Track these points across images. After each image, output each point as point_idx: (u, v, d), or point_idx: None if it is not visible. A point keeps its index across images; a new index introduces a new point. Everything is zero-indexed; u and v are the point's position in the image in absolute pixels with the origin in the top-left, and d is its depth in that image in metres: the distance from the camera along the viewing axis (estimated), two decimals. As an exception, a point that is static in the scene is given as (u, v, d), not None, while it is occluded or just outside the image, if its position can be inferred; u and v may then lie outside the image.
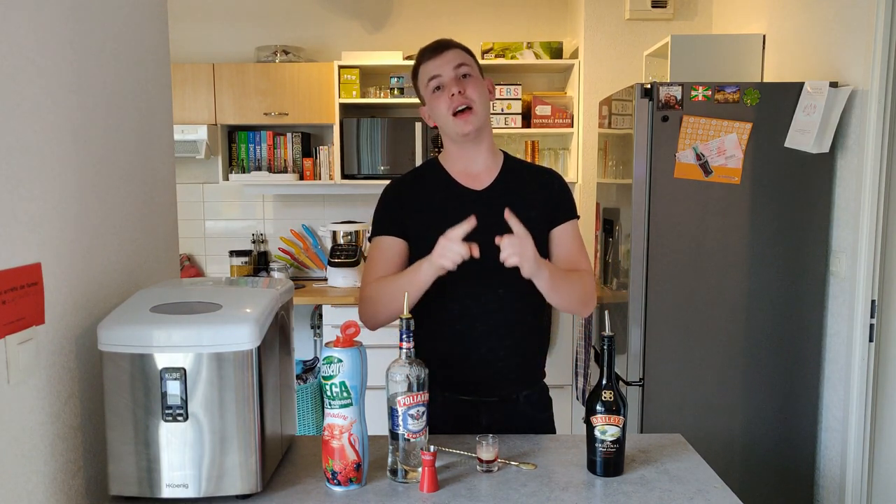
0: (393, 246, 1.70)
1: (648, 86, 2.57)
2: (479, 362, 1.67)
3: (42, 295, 1.18)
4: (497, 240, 1.49)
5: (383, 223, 1.72)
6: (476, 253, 1.48)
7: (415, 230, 1.69)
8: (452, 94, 1.62)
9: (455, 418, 1.66)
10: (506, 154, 1.79)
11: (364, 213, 4.19)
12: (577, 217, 1.78)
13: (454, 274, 1.60)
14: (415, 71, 1.71)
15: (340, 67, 3.87)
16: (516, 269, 1.61)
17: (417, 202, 1.71)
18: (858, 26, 2.44)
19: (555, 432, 1.79)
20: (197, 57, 4.13)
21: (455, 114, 1.63)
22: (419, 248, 1.68)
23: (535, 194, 1.72)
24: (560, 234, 1.74)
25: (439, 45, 1.66)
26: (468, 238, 1.56)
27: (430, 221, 1.66)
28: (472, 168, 1.72)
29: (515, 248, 1.47)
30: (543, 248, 1.71)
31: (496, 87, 3.87)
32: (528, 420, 1.72)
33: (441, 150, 1.79)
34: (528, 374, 1.76)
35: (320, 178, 4.02)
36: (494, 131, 3.92)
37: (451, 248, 1.47)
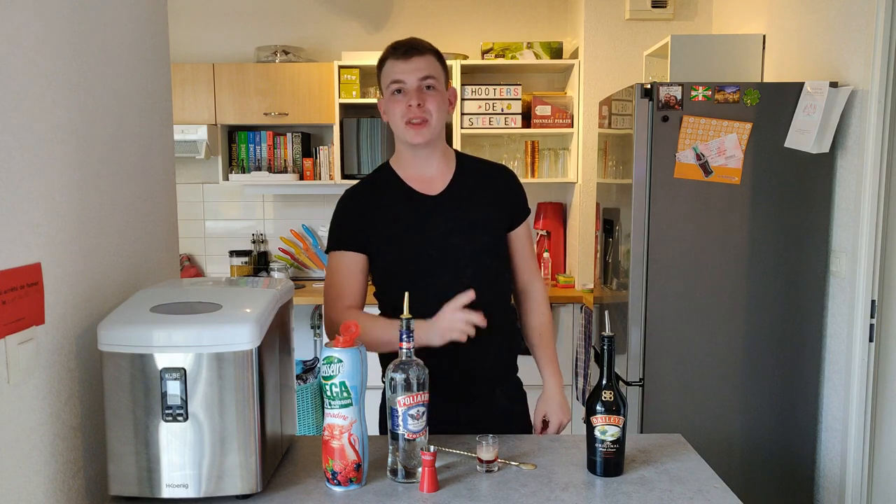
0: (353, 263, 1.71)
1: (648, 86, 2.57)
2: (452, 366, 1.65)
3: (42, 295, 1.18)
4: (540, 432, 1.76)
5: (342, 237, 1.71)
6: (482, 322, 1.56)
7: (375, 241, 1.69)
8: (410, 105, 1.61)
9: (434, 418, 1.64)
10: (457, 153, 1.80)
11: (364, 213, 4.19)
12: (529, 212, 1.83)
13: (422, 284, 1.64)
14: (380, 63, 1.68)
15: (340, 67, 3.87)
16: (477, 277, 1.68)
17: (376, 211, 1.71)
18: (858, 26, 2.44)
19: (530, 425, 1.82)
20: (197, 57, 4.13)
21: (408, 122, 1.63)
22: (380, 259, 1.70)
23: (491, 195, 1.74)
24: (517, 237, 1.80)
25: (410, 48, 1.63)
26: (423, 246, 1.65)
27: (389, 231, 1.68)
28: (426, 172, 1.72)
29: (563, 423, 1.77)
30: (502, 248, 1.76)
31: (496, 87, 3.87)
32: (504, 413, 1.75)
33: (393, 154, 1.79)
34: (499, 371, 1.78)
35: (320, 178, 4.02)
36: (495, 132, 3.92)
37: (458, 319, 1.54)
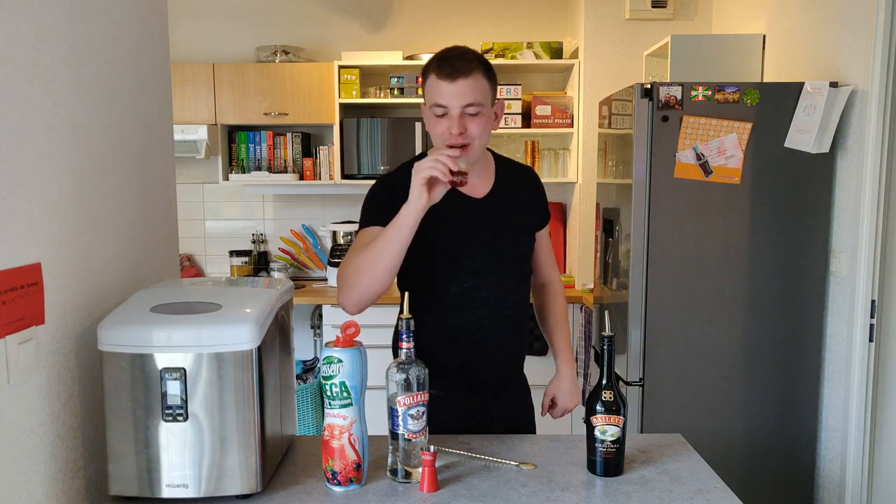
0: None
1: (648, 86, 2.57)
2: (494, 364, 1.73)
3: (42, 295, 1.18)
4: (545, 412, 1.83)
5: (374, 215, 1.63)
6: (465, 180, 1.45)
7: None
8: (451, 132, 1.53)
9: (471, 416, 1.67)
10: (493, 154, 1.76)
11: (364, 213, 4.19)
12: (550, 213, 1.87)
13: (467, 281, 1.65)
14: (424, 73, 1.59)
15: (340, 67, 3.87)
16: (517, 278, 1.73)
17: None
18: (858, 26, 2.44)
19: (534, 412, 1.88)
20: (197, 57, 4.13)
21: (449, 146, 1.54)
22: (413, 248, 1.55)
23: (527, 198, 1.77)
24: (541, 235, 1.83)
25: (455, 70, 1.52)
26: (465, 246, 1.64)
27: (432, 228, 1.56)
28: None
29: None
30: (532, 248, 1.80)
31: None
32: (525, 404, 1.83)
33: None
34: (521, 366, 1.85)
35: (320, 178, 4.02)
36: (495, 132, 3.92)
37: (440, 160, 1.41)
